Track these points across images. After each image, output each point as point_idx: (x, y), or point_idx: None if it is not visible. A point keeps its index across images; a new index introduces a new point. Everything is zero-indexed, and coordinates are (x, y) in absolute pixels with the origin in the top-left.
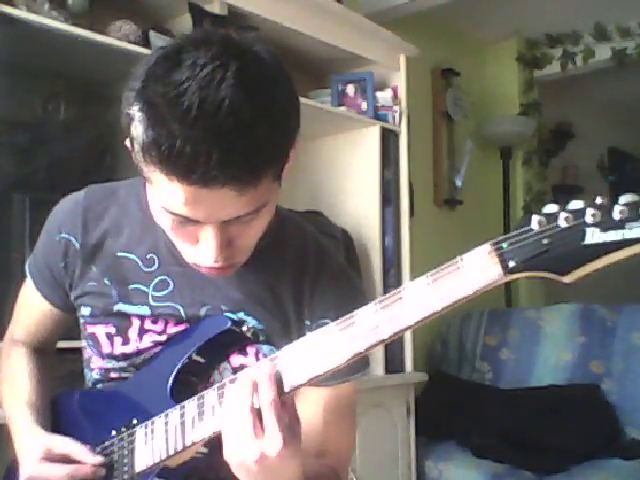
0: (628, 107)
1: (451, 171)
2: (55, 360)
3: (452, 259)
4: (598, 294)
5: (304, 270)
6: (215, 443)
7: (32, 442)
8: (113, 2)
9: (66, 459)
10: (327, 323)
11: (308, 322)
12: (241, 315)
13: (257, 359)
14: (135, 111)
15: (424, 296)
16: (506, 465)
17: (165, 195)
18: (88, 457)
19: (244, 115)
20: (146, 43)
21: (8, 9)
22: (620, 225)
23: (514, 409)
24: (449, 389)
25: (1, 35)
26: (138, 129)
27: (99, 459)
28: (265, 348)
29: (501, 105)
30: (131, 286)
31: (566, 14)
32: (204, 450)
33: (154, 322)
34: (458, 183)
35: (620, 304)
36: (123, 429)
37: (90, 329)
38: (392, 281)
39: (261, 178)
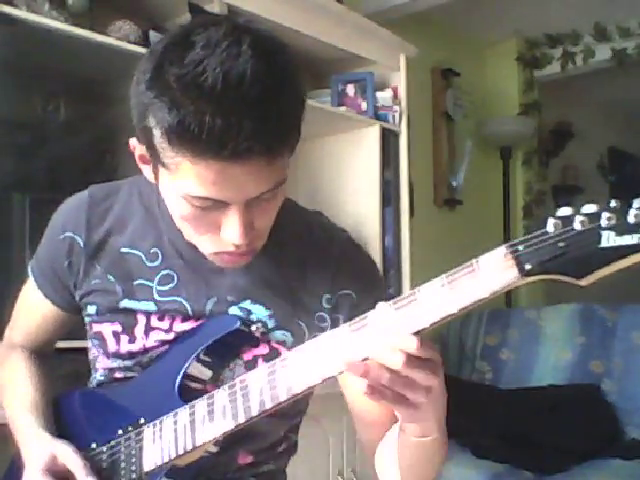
0: (628, 107)
1: (451, 171)
2: (55, 361)
3: (452, 259)
4: (598, 294)
5: (311, 247)
6: (225, 442)
7: (39, 448)
8: (113, 2)
9: (65, 474)
10: (349, 294)
11: (328, 295)
12: (247, 304)
13: (269, 347)
14: (151, 99)
15: (439, 298)
16: (506, 465)
17: (190, 180)
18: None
19: (268, 83)
20: (146, 43)
21: (8, 9)
22: (635, 229)
23: (514, 409)
24: (449, 389)
25: (1, 35)
26: (158, 116)
27: None
28: (278, 334)
29: (501, 105)
30: (136, 282)
31: (566, 14)
32: (214, 449)
33: (160, 319)
34: (458, 183)
35: (620, 304)
36: (130, 428)
37: (96, 328)
38: (392, 281)
39: (287, 146)
